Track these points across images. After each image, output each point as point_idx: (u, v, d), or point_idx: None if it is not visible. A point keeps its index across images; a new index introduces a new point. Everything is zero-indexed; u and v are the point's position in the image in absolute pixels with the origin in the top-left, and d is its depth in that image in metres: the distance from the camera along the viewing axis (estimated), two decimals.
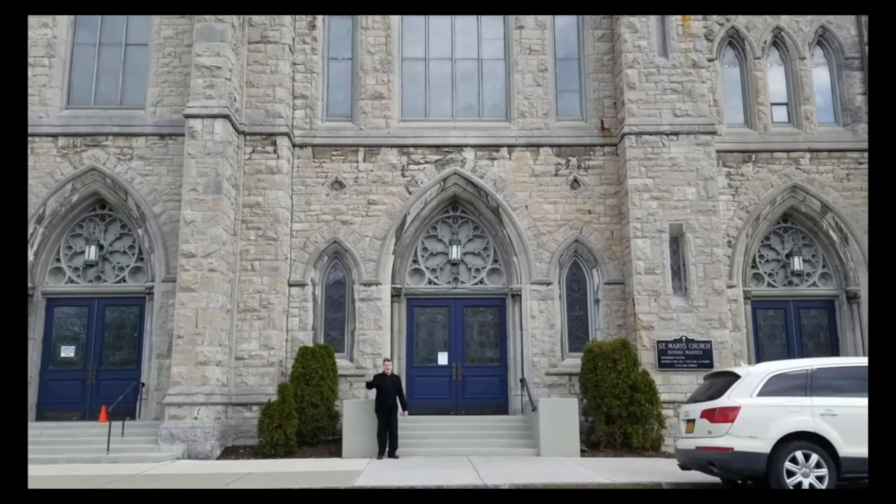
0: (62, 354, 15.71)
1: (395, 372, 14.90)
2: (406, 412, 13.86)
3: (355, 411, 13.82)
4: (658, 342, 14.88)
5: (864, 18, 17.11)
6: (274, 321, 15.13)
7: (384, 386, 13.64)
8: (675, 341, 14.87)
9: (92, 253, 15.81)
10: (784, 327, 16.50)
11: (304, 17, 16.89)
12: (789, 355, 15.89)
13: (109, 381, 15.44)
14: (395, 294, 16.06)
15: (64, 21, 16.45)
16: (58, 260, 16.03)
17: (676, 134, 15.68)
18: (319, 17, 16.99)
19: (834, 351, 16.24)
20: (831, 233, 16.49)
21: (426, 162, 16.45)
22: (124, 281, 15.96)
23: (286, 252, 15.74)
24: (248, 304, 15.15)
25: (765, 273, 16.66)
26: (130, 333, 15.86)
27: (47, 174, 15.71)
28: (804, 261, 16.61)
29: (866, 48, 16.99)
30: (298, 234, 16.06)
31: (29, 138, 15.55)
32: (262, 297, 15.20)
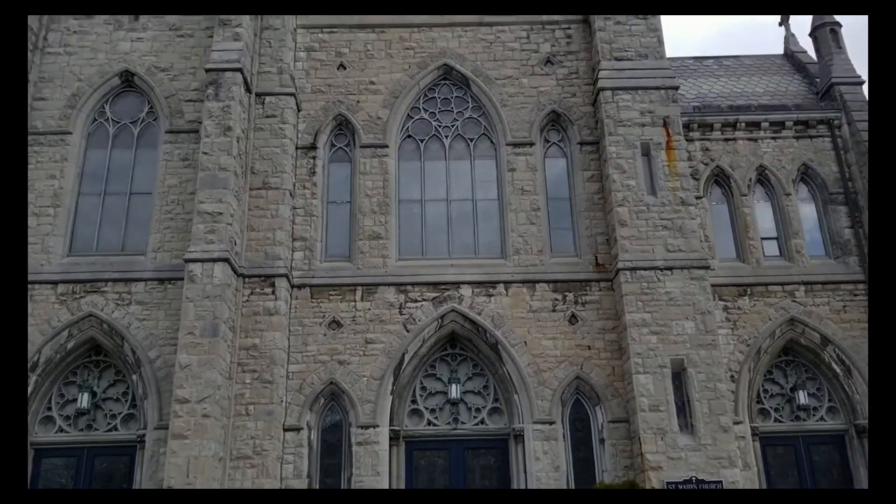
0: None
1: None
2: None
3: None
4: (668, 483, 14.30)
5: (845, 155, 17.88)
6: (268, 469, 14.60)
7: None
8: (685, 482, 14.29)
9: (84, 401, 15.46)
10: (795, 464, 15.96)
11: (304, 164, 17.52)
12: None
13: None
14: (394, 437, 15.60)
15: (71, 173, 17.02)
16: (49, 409, 15.67)
17: (671, 269, 15.84)
18: (320, 164, 17.63)
19: (848, 488, 15.62)
20: (834, 365, 16.34)
21: (424, 299, 16.51)
22: (116, 429, 15.52)
23: (281, 395, 15.44)
24: (241, 451, 14.67)
25: (770, 408, 16.33)
26: (119, 485, 15.21)
27: (44, 321, 15.67)
28: (809, 394, 16.33)
29: (849, 184, 17.63)
30: (294, 376, 15.82)
31: (29, 286, 15.62)
32: (255, 442, 14.75)
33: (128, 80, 17.90)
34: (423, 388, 16.33)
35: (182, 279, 15.19)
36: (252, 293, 15.86)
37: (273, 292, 15.87)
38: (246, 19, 17.26)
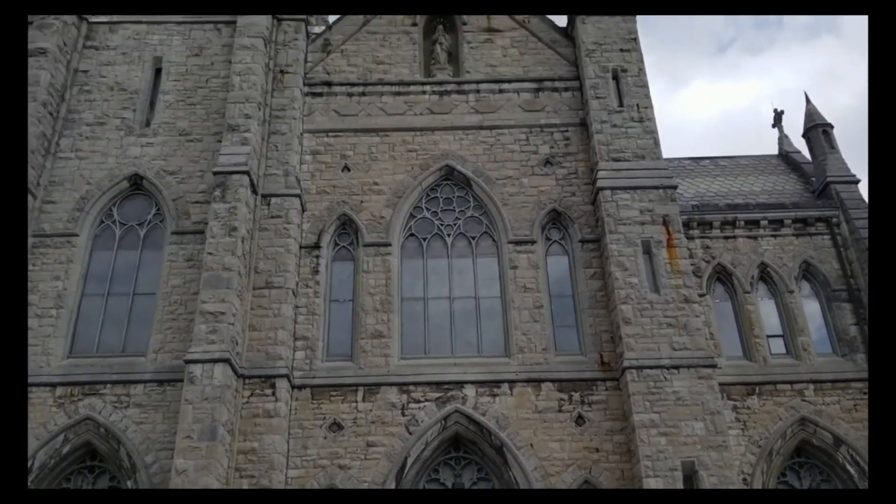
0: None
1: None
2: None
3: None
4: None
5: (845, 252, 17.99)
6: None
7: None
8: None
9: None
10: None
11: (307, 263, 17.61)
12: None
13: None
14: None
15: (75, 274, 17.11)
16: None
17: (677, 367, 15.62)
18: (323, 263, 17.73)
19: None
20: (848, 467, 15.85)
21: (426, 400, 16.21)
22: None
23: None
24: None
25: None
26: None
27: (40, 425, 15.34)
28: None
29: (851, 281, 17.65)
30: (293, 482, 15.32)
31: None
32: None
33: (136, 184, 18.28)
34: None
35: (182, 381, 14.99)
36: (252, 394, 15.61)
37: (273, 393, 15.62)
38: (254, 124, 17.81)
